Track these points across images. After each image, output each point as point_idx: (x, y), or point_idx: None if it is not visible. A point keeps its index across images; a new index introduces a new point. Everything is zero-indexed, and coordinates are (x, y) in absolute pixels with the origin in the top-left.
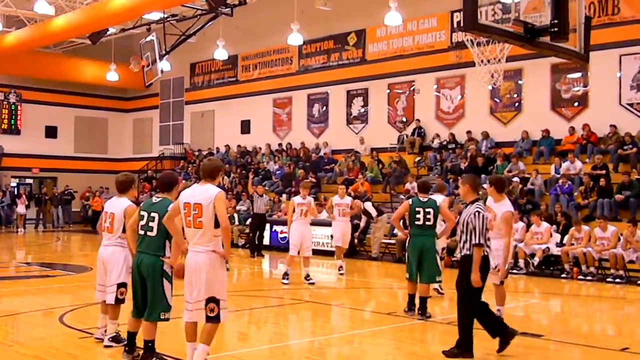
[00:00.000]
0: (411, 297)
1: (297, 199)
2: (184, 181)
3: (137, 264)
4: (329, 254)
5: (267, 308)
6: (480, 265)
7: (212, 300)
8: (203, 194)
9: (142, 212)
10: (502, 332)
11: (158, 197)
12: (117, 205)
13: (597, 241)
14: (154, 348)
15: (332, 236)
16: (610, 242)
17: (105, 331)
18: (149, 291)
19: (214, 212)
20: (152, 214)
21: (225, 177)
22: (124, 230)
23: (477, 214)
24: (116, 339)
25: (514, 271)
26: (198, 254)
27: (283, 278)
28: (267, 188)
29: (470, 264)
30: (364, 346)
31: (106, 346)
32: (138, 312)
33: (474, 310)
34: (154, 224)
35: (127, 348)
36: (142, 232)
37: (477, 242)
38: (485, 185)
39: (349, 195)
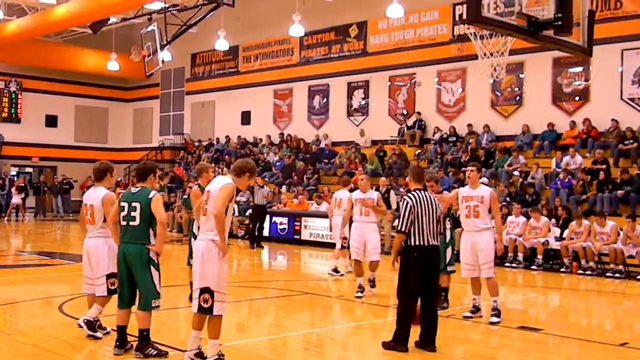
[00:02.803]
0: None
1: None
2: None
3: (123, 254)
4: (327, 245)
5: (267, 299)
6: (411, 260)
7: (207, 291)
8: (216, 183)
9: (123, 203)
10: (427, 339)
11: (137, 187)
12: (94, 196)
13: (596, 236)
14: (149, 337)
15: (348, 245)
16: (610, 236)
17: (100, 325)
18: (137, 280)
19: None
20: (134, 204)
21: (225, 168)
22: (104, 220)
23: (403, 200)
24: (90, 324)
25: (514, 265)
26: (200, 241)
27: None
28: (267, 179)
29: (403, 256)
30: (363, 338)
31: (78, 326)
32: (123, 302)
33: (407, 304)
34: (136, 214)
35: (117, 342)
36: (124, 223)
37: (399, 228)
38: (469, 169)
39: (378, 189)
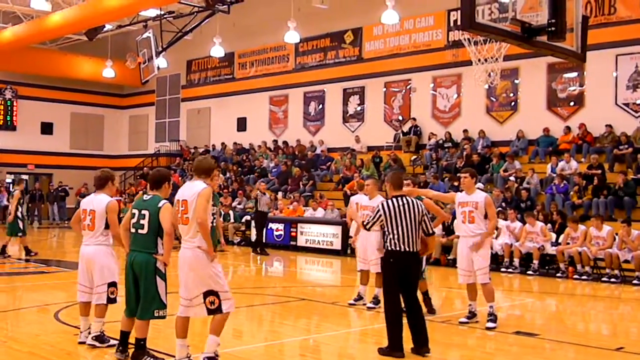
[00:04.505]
0: None
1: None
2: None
3: (130, 262)
4: (323, 251)
5: (263, 305)
6: (387, 264)
7: (211, 293)
8: (190, 190)
9: (134, 210)
10: (419, 340)
11: (149, 195)
12: (97, 202)
13: (592, 240)
14: (145, 346)
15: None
16: (605, 241)
17: (90, 333)
18: (141, 289)
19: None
20: (143, 212)
21: (221, 175)
22: (106, 227)
23: (379, 204)
24: (100, 338)
25: (510, 270)
26: (185, 250)
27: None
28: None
29: (385, 263)
30: (360, 344)
31: (90, 345)
32: (131, 311)
33: (393, 308)
34: (145, 222)
35: (120, 347)
36: (133, 230)
37: (364, 221)
38: (462, 176)
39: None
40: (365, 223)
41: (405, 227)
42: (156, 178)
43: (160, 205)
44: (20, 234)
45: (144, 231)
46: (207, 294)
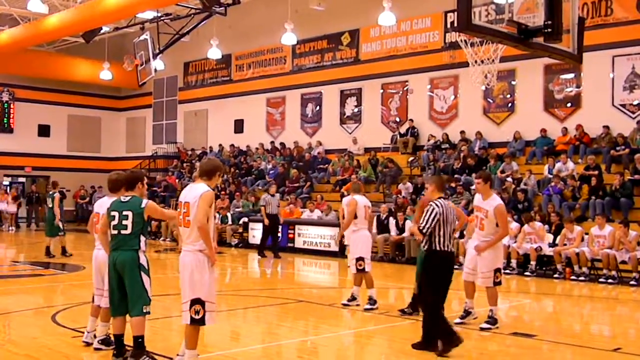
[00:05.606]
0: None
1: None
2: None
3: (113, 262)
4: (320, 253)
5: (261, 307)
6: (439, 264)
7: (198, 302)
8: (193, 192)
9: (113, 212)
10: (447, 338)
11: (127, 196)
12: (107, 206)
13: (594, 240)
14: (144, 344)
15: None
16: (606, 240)
17: (95, 335)
18: (128, 286)
19: None
20: (125, 213)
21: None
22: None
23: (429, 205)
24: (106, 341)
25: (507, 271)
26: (187, 253)
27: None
28: (260, 187)
29: (429, 261)
30: (357, 345)
31: (96, 349)
32: (115, 310)
33: (434, 304)
34: (128, 222)
35: (115, 352)
36: (115, 232)
37: (420, 227)
38: (475, 181)
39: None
40: (422, 229)
41: (449, 228)
42: (130, 179)
43: (143, 205)
44: (61, 233)
45: (127, 231)
46: (194, 301)
